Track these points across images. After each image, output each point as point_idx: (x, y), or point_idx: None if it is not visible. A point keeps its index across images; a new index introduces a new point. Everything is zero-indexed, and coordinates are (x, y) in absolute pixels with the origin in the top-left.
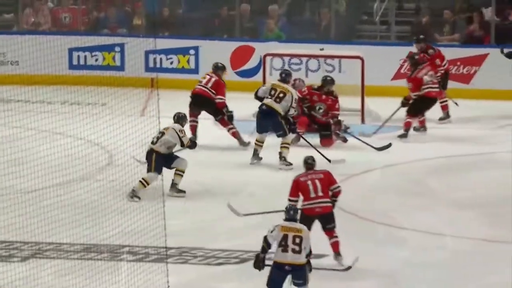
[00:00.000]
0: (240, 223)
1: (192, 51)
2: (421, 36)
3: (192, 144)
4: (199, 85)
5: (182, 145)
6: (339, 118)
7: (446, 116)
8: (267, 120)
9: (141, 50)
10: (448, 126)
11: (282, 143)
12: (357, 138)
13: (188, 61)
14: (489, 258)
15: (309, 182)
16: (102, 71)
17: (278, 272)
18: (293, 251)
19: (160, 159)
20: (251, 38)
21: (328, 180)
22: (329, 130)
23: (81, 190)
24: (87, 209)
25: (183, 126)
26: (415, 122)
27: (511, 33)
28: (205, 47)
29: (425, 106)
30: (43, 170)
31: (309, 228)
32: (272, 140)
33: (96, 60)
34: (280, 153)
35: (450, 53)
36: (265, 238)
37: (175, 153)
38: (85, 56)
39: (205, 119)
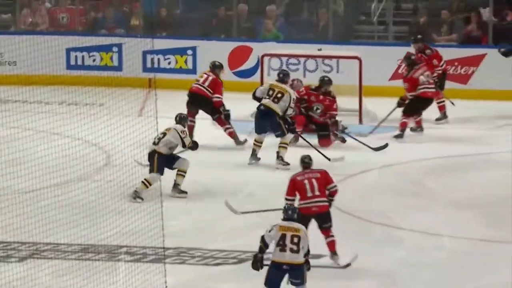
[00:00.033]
0: (238, 223)
1: (189, 51)
2: (419, 36)
3: (194, 145)
4: (196, 83)
5: (184, 145)
6: (337, 118)
7: (443, 116)
8: (265, 121)
9: (138, 51)
10: (446, 126)
11: (280, 143)
12: (354, 139)
13: (185, 61)
14: (487, 258)
15: (306, 181)
16: (100, 71)
17: (276, 271)
18: (291, 250)
19: (162, 159)
20: (249, 38)
21: (325, 179)
22: (327, 130)
23: (79, 190)
24: (85, 209)
25: (184, 127)
26: (411, 123)
27: (508, 34)
28: (203, 47)
29: (421, 106)
30: (41, 171)
31: (306, 228)
32: (270, 140)
33: (94, 60)
34: (277, 152)
35: (447, 53)
36: (262, 238)
37: (177, 154)
38: (83, 57)
39: (203, 119)
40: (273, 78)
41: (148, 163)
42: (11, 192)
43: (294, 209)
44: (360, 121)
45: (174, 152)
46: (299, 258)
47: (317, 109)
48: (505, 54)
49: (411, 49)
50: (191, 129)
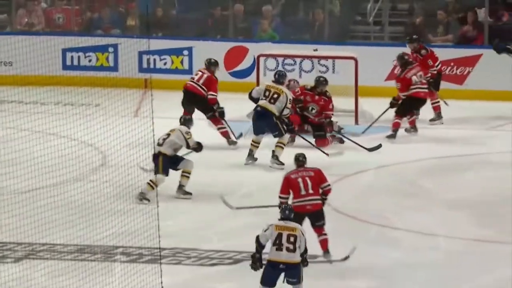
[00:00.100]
0: (234, 224)
1: (185, 52)
2: (414, 36)
3: (198, 147)
4: (190, 81)
5: (188, 146)
6: (333, 118)
7: (437, 117)
8: (262, 121)
9: (134, 51)
10: (442, 126)
11: (277, 142)
12: (348, 139)
13: (181, 62)
14: (482, 258)
15: (300, 180)
16: (96, 72)
17: (272, 270)
18: (288, 249)
19: (166, 161)
20: (245, 38)
21: (318, 178)
22: (322, 130)
23: (75, 191)
24: (81, 210)
25: (189, 129)
26: (403, 123)
27: (504, 34)
28: (199, 47)
29: (413, 107)
30: (37, 171)
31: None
32: (268, 141)
33: (90, 60)
34: (273, 151)
35: (443, 53)
36: (257, 238)
37: (183, 156)
38: (79, 57)
39: (200, 119)
40: (269, 79)
41: (151, 168)
42: (7, 192)
43: (291, 209)
44: (356, 121)
45: (182, 154)
46: (296, 257)
47: (312, 109)
48: (497, 49)
49: (407, 50)
50: None
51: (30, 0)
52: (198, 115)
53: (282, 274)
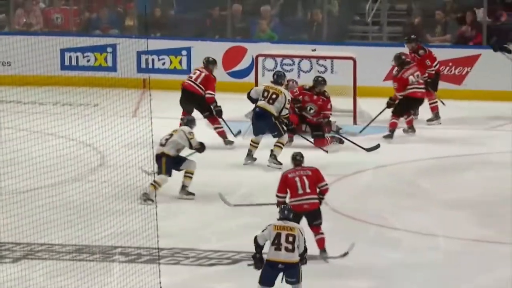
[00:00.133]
0: (232, 224)
1: (184, 52)
2: (412, 36)
3: (201, 147)
4: (188, 79)
5: (191, 147)
6: (331, 118)
7: (435, 117)
8: (261, 122)
9: (133, 51)
10: (440, 127)
11: (276, 142)
12: (347, 139)
13: (180, 62)
14: (481, 259)
15: (297, 179)
16: (94, 72)
17: (271, 270)
18: (286, 249)
19: (169, 161)
20: (243, 38)
21: (316, 177)
22: (321, 130)
23: (73, 191)
24: (79, 210)
25: (192, 129)
26: (401, 123)
27: (503, 34)
28: (197, 47)
29: (410, 107)
30: (35, 171)
31: None
32: (267, 141)
33: (88, 61)
34: (272, 150)
35: (442, 53)
36: (255, 239)
37: (186, 156)
38: (77, 57)
39: (198, 119)
40: (268, 79)
41: (152, 171)
42: (5, 192)
43: (290, 209)
44: (355, 121)
45: (186, 155)
46: (294, 257)
47: (311, 109)
48: (494, 47)
49: (405, 50)
50: None
51: (28, 0)
52: (196, 116)
53: (281, 274)
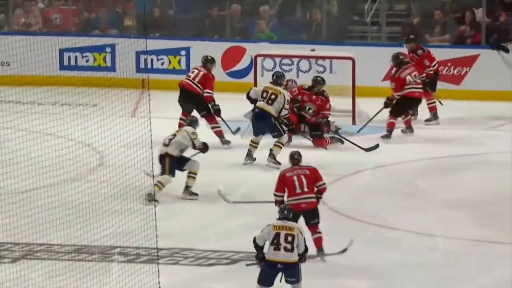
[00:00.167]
0: (231, 224)
1: (183, 52)
2: (411, 36)
3: (204, 148)
4: (186, 78)
5: (194, 147)
6: (330, 118)
7: (433, 117)
8: (261, 122)
9: (132, 51)
10: (439, 127)
11: (276, 142)
12: (346, 139)
13: (179, 62)
14: (481, 259)
15: (295, 178)
16: (93, 72)
17: (270, 270)
18: (285, 249)
19: (173, 162)
20: (242, 38)
21: (314, 176)
22: (319, 130)
23: (72, 191)
24: (78, 210)
25: (195, 129)
26: (399, 123)
27: (502, 34)
28: (196, 47)
29: (407, 107)
30: (34, 171)
31: None
32: (267, 141)
33: (87, 61)
34: (271, 150)
35: (440, 53)
36: (254, 240)
37: (191, 157)
38: (76, 57)
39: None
40: (267, 79)
41: (155, 174)
42: (4, 192)
43: (290, 209)
44: (354, 121)
45: (190, 155)
46: (294, 257)
47: (309, 109)
48: (492, 44)
49: (404, 50)
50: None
51: (27, 0)
52: (197, 115)
53: (280, 274)
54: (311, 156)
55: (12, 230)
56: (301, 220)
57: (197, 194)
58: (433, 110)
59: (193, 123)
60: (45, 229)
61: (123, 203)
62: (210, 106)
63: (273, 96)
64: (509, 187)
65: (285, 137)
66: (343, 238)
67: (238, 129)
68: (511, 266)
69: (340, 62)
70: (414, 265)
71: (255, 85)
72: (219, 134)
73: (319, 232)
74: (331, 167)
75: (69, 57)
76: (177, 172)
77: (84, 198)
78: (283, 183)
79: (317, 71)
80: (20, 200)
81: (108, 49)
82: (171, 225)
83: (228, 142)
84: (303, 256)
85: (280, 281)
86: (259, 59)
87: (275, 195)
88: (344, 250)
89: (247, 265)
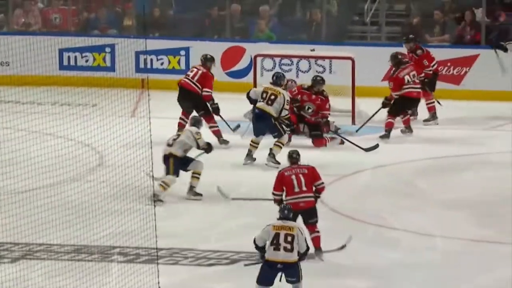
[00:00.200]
0: (231, 224)
1: (182, 52)
2: (411, 36)
3: (209, 147)
4: (185, 77)
5: (198, 147)
6: (329, 118)
7: (431, 117)
8: (261, 123)
9: (131, 51)
10: (439, 127)
11: (276, 141)
12: (345, 139)
13: (178, 62)
14: (481, 259)
15: (294, 177)
16: (93, 72)
17: (270, 270)
18: (285, 249)
19: (177, 162)
20: (242, 38)
21: (312, 175)
22: (319, 130)
23: (72, 191)
24: (78, 210)
25: (199, 129)
26: (397, 123)
27: (502, 34)
28: (196, 47)
29: (406, 106)
30: (34, 171)
31: None
32: (267, 141)
33: (87, 61)
34: (271, 149)
35: (440, 53)
36: (254, 241)
37: (196, 157)
38: (76, 57)
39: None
40: (266, 79)
41: (157, 174)
42: (4, 192)
43: (290, 209)
44: (353, 121)
45: (194, 156)
46: (293, 257)
47: (309, 108)
48: (492, 43)
49: (404, 50)
50: (182, 127)
51: (27, 0)
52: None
53: (279, 274)
54: (311, 156)
55: (12, 230)
56: (299, 219)
57: (201, 195)
58: (432, 110)
59: (197, 123)
60: (45, 229)
61: (123, 203)
62: (209, 105)
63: (272, 97)
64: (509, 187)
65: (285, 137)
66: (342, 238)
67: (238, 126)
68: (511, 266)
69: (340, 62)
70: (414, 265)
71: (255, 85)
72: (217, 134)
73: (318, 231)
74: (331, 167)
75: (68, 57)
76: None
77: (84, 198)
78: (282, 182)
79: (316, 71)
80: (20, 200)
81: (107, 49)
82: (171, 225)
83: (226, 142)
84: (304, 255)
85: (280, 280)
86: (258, 59)
87: (273, 194)
88: (343, 247)
89: (246, 265)
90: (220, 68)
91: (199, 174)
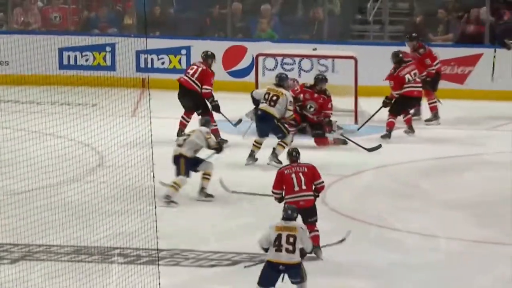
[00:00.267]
0: (232, 225)
1: (183, 51)
2: (414, 34)
3: (219, 147)
4: (185, 75)
5: (209, 147)
6: (332, 118)
7: (433, 117)
8: (264, 124)
9: (132, 50)
10: (441, 126)
11: (280, 141)
12: (348, 139)
13: (179, 61)
14: (482, 259)
15: (293, 175)
16: (93, 71)
17: (271, 271)
18: (287, 250)
19: (188, 163)
20: (243, 37)
21: (312, 174)
22: (321, 129)
23: (72, 191)
24: (78, 210)
25: (209, 129)
26: (400, 123)
27: (507, 32)
28: (197, 47)
29: (406, 105)
30: (33, 172)
31: None
32: (271, 142)
33: (87, 60)
34: (274, 148)
35: (444, 53)
36: (259, 244)
37: (206, 158)
38: (76, 56)
39: (193, 118)
40: (268, 78)
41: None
42: (3, 193)
43: (294, 209)
44: (356, 121)
45: (205, 157)
46: (295, 258)
47: (311, 107)
48: (497, 39)
49: (407, 49)
50: (183, 126)
51: None
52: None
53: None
54: (312, 156)
55: (11, 231)
56: (299, 218)
57: (212, 196)
58: (434, 110)
59: (207, 123)
60: (44, 230)
61: (123, 203)
62: (208, 102)
63: (274, 98)
64: (510, 187)
65: (289, 138)
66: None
67: (240, 121)
68: None
69: (342, 61)
70: (415, 265)
71: (257, 84)
72: (216, 133)
73: (317, 231)
74: (332, 167)
75: (68, 56)
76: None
77: (84, 198)
78: (281, 180)
79: (319, 70)
80: (19, 200)
81: (108, 48)
82: (172, 226)
83: (225, 142)
84: (307, 253)
85: (282, 280)
86: (260, 59)
87: (273, 192)
88: (342, 240)
89: (245, 267)
90: (222, 67)
91: (210, 175)
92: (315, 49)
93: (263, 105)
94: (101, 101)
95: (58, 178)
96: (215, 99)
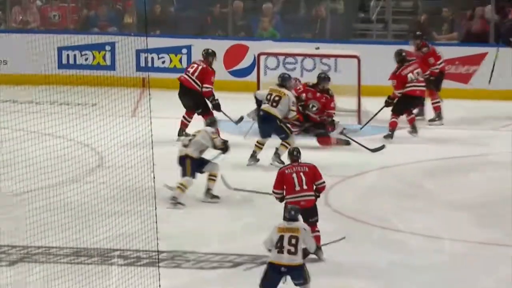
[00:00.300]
0: (234, 226)
1: (184, 50)
2: (418, 33)
3: (225, 147)
4: (185, 74)
5: (214, 147)
6: (334, 118)
7: (437, 117)
8: (266, 125)
9: (132, 49)
10: (446, 126)
11: (283, 141)
12: (351, 139)
13: (180, 60)
14: (487, 261)
15: (294, 175)
16: (92, 71)
17: (273, 273)
18: (289, 252)
19: (194, 164)
20: (245, 36)
21: (313, 174)
22: (323, 128)
23: (71, 192)
24: (77, 212)
25: (214, 129)
26: (403, 123)
27: (511, 32)
28: (198, 46)
29: (409, 105)
30: (32, 172)
31: None
32: (273, 142)
33: (86, 59)
34: (277, 149)
35: (448, 52)
36: (264, 246)
37: (212, 159)
38: (75, 55)
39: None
40: (270, 78)
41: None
42: (2, 194)
43: (297, 210)
44: (359, 121)
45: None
46: (297, 260)
47: (313, 106)
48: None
49: (411, 48)
50: (185, 127)
51: None
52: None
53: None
54: (315, 157)
55: (10, 233)
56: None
57: (218, 197)
58: (437, 109)
59: (213, 123)
60: (43, 231)
61: (123, 204)
62: (209, 101)
63: (276, 98)
64: None
65: (292, 138)
66: (347, 240)
67: (241, 118)
68: None
69: (345, 61)
70: (419, 267)
71: (258, 84)
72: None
73: (318, 231)
74: (335, 168)
75: (67, 55)
76: (179, 173)
77: (83, 199)
78: (282, 180)
79: (321, 69)
80: (18, 201)
81: (107, 47)
82: (172, 227)
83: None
84: (310, 253)
85: (284, 282)
86: (262, 58)
87: (273, 192)
88: (342, 238)
89: (245, 269)
90: (223, 66)
91: (215, 176)
92: (317, 48)
93: (265, 106)
94: (100, 101)
95: (57, 178)
96: (216, 97)
